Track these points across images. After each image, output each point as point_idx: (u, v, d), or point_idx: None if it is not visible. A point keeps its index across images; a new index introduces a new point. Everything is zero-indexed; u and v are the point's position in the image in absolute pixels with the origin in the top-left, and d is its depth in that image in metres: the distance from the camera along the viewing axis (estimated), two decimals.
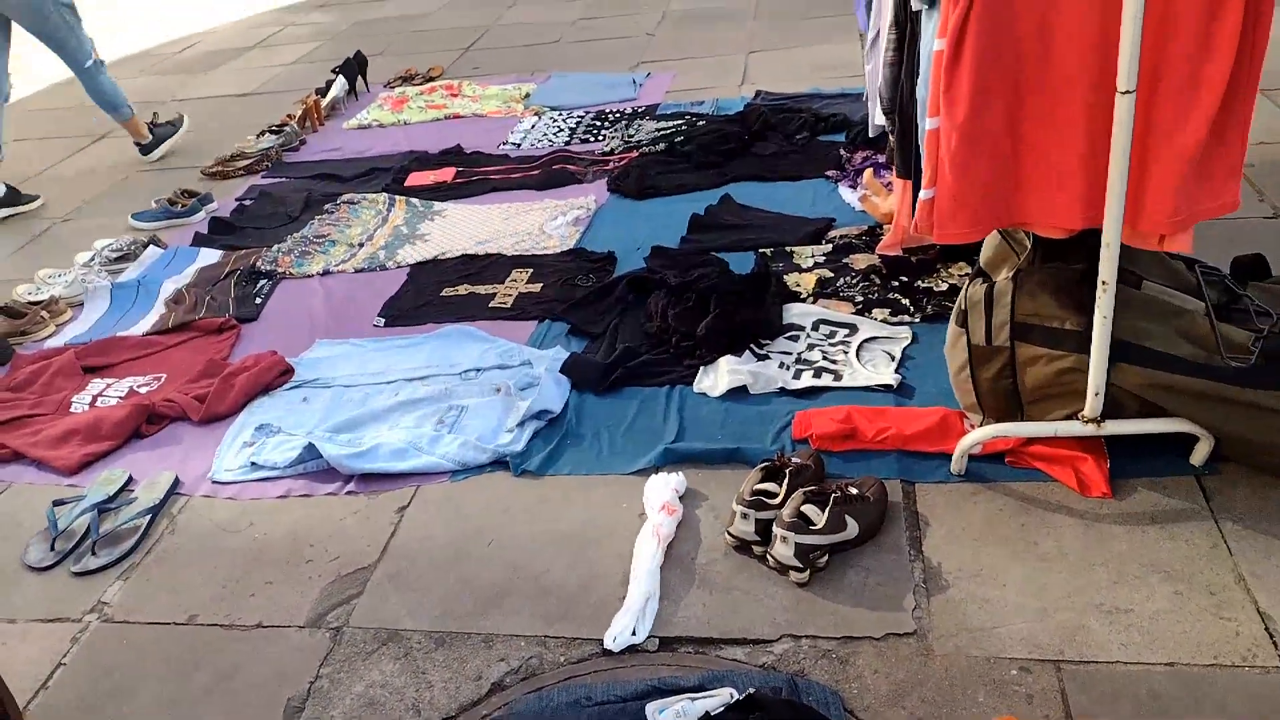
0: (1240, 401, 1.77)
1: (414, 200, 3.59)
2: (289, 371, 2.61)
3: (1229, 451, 1.90)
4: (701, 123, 3.90)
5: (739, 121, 3.82)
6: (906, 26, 2.00)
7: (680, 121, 3.96)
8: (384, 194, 3.65)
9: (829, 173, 3.39)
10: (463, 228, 3.37)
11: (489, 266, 3.08)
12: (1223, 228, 2.72)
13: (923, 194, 1.81)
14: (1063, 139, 1.68)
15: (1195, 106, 1.56)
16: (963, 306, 1.99)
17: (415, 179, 3.79)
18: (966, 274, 2.62)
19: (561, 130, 4.11)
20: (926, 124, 1.75)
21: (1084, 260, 1.86)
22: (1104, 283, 1.73)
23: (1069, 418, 1.92)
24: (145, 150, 4.37)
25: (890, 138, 2.33)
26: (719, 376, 2.38)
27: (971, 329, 1.97)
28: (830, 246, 2.94)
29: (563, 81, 4.72)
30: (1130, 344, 1.83)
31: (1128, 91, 1.54)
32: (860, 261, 2.83)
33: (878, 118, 2.39)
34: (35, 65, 5.53)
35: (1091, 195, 1.69)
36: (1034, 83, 1.65)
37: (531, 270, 3.01)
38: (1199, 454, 1.92)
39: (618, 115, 4.18)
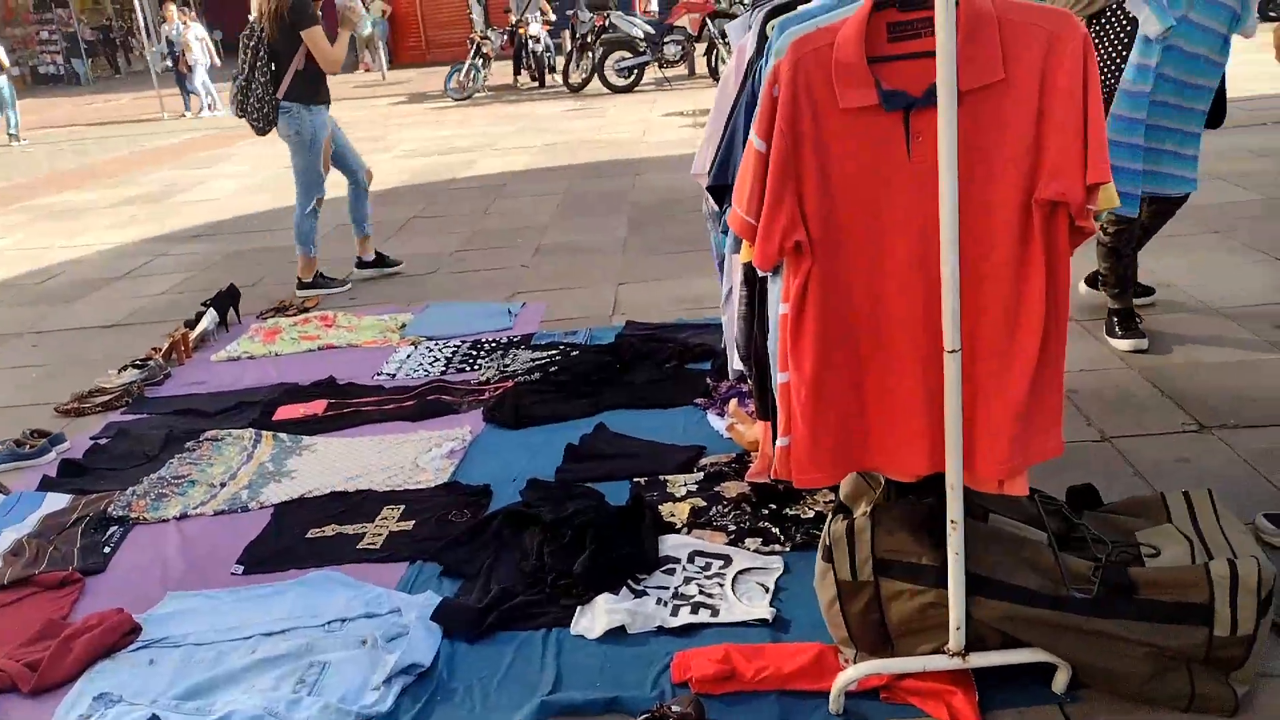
0: (1088, 631, 1.86)
1: (282, 435, 3.52)
2: (135, 630, 2.43)
3: (1085, 679, 1.97)
4: (575, 352, 4.03)
5: (611, 351, 3.97)
6: (755, 285, 2.17)
7: (555, 351, 4.08)
8: (250, 429, 3.57)
9: (697, 400, 3.53)
10: (332, 463, 3.31)
11: (359, 504, 3.01)
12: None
13: (779, 441, 1.90)
14: (903, 395, 1.82)
15: (1012, 369, 1.73)
16: (827, 542, 2.06)
17: (284, 412, 3.74)
18: (830, 500, 2.72)
19: (437, 360, 4.17)
20: (778, 377, 1.88)
21: (933, 494, 1.97)
22: (953, 522, 1.83)
23: (936, 651, 1.97)
24: None
25: (749, 380, 2.46)
26: (596, 616, 2.35)
27: (837, 564, 2.03)
28: (702, 474, 3.02)
29: (439, 311, 4.83)
30: (985, 577, 1.91)
31: (954, 351, 1.70)
32: (731, 489, 2.91)
33: (735, 363, 2.53)
34: None
35: (933, 446, 1.81)
36: (871, 345, 1.81)
37: (403, 507, 2.96)
38: (1059, 682, 1.97)
39: (493, 344, 4.28)
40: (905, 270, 1.74)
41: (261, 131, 5.10)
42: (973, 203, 1.67)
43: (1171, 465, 2.80)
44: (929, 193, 1.64)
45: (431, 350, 4.29)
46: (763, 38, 1.98)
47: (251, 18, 5.01)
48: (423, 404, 3.67)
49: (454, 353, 4.24)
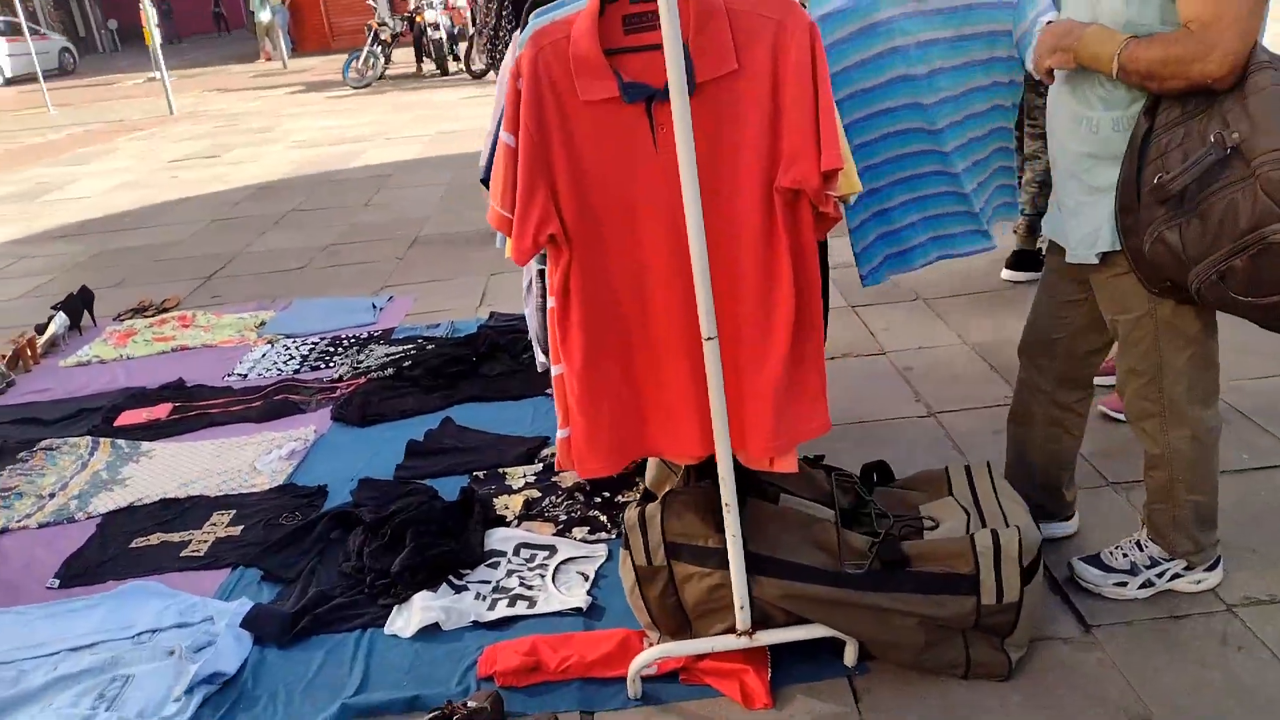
0: (863, 605, 1.92)
1: (120, 442, 3.42)
2: None
3: (872, 651, 2.03)
4: (431, 346, 3.99)
5: (468, 344, 3.94)
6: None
7: (410, 345, 4.04)
8: (87, 437, 3.46)
9: (548, 390, 3.52)
10: (168, 469, 3.22)
11: (189, 510, 2.94)
12: (883, 430, 3.02)
13: (559, 433, 1.91)
14: (672, 381, 1.84)
15: (770, 352, 1.76)
16: (623, 529, 2.08)
17: (126, 418, 3.63)
18: None
19: (292, 358, 4.09)
20: (553, 370, 1.88)
21: None
22: (726, 505, 1.86)
23: (727, 631, 2.01)
24: None
25: None
26: (411, 615, 2.33)
27: (633, 550, 2.05)
28: (541, 465, 3.02)
29: (302, 308, 4.74)
30: (766, 557, 1.95)
31: (710, 338, 1.73)
32: (568, 479, 2.91)
33: (540, 356, 2.53)
34: None
35: (705, 428, 1.84)
36: (638, 333, 1.82)
37: (234, 512, 2.90)
38: (849, 655, 2.03)
39: (352, 341, 4.22)
40: (663, 259, 1.76)
41: None
42: (718, 192, 1.69)
43: (989, 436, 2.89)
44: (678, 183, 1.66)
45: (288, 348, 4.21)
46: None
47: None
48: (269, 404, 3.60)
49: (310, 350, 4.16)
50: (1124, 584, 2.14)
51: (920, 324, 3.82)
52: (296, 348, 4.21)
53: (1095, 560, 2.19)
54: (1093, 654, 2.01)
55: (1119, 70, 1.74)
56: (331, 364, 3.99)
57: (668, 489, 2.22)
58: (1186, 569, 2.13)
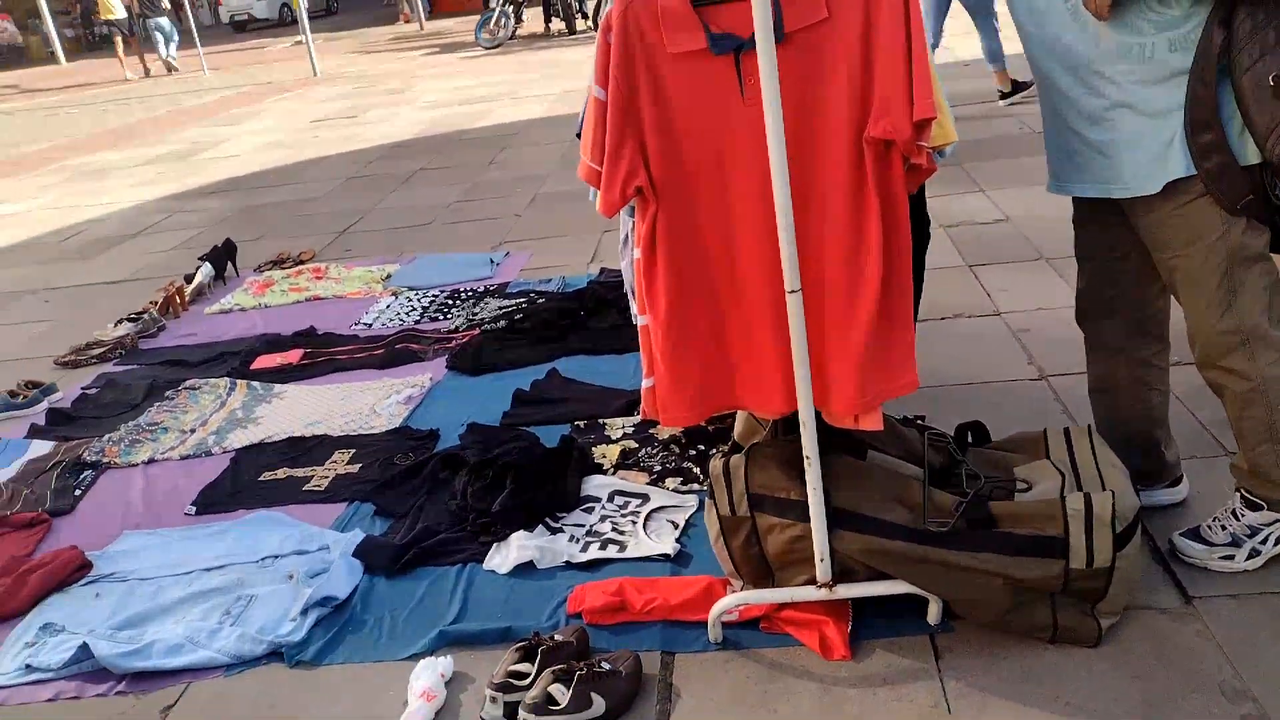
0: (945, 563, 1.90)
1: (255, 384, 3.67)
2: (86, 566, 2.60)
3: (956, 609, 2.01)
4: (542, 300, 4.10)
5: (577, 298, 4.03)
6: None
7: (523, 299, 4.16)
8: (226, 378, 3.73)
9: None
10: (297, 410, 3.45)
11: (314, 449, 3.15)
12: (994, 391, 2.95)
13: (644, 383, 1.96)
14: (757, 334, 1.85)
15: (857, 308, 1.75)
16: (709, 479, 2.12)
17: (261, 362, 3.89)
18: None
19: (414, 310, 4.28)
20: (638, 320, 1.92)
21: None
22: (808, 458, 1.87)
23: (809, 582, 2.03)
24: None
25: None
26: (509, 553, 2.45)
27: (718, 500, 2.09)
28: (639, 417, 3.08)
29: (425, 262, 4.93)
30: (849, 511, 1.96)
31: (794, 291, 1.73)
32: (664, 431, 2.97)
33: (634, 307, 2.57)
34: None
35: (788, 384, 1.85)
36: (726, 285, 1.84)
37: (354, 451, 3.09)
38: (932, 613, 2.02)
39: (469, 294, 4.37)
40: (752, 211, 1.77)
41: None
42: (807, 142, 1.69)
43: None
44: (765, 135, 1.66)
45: (411, 300, 4.40)
46: None
47: None
48: (391, 352, 3.79)
49: (431, 302, 4.34)
50: (1230, 557, 2.04)
51: (1042, 284, 3.67)
52: (418, 300, 4.39)
53: (1196, 534, 2.09)
54: (1191, 626, 1.94)
55: None
56: (449, 316, 4.15)
57: (755, 441, 2.24)
58: None
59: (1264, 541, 2.02)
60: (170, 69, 17.31)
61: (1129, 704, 1.79)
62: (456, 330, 3.97)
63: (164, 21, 16.81)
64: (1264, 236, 1.89)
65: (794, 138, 1.65)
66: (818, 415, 1.86)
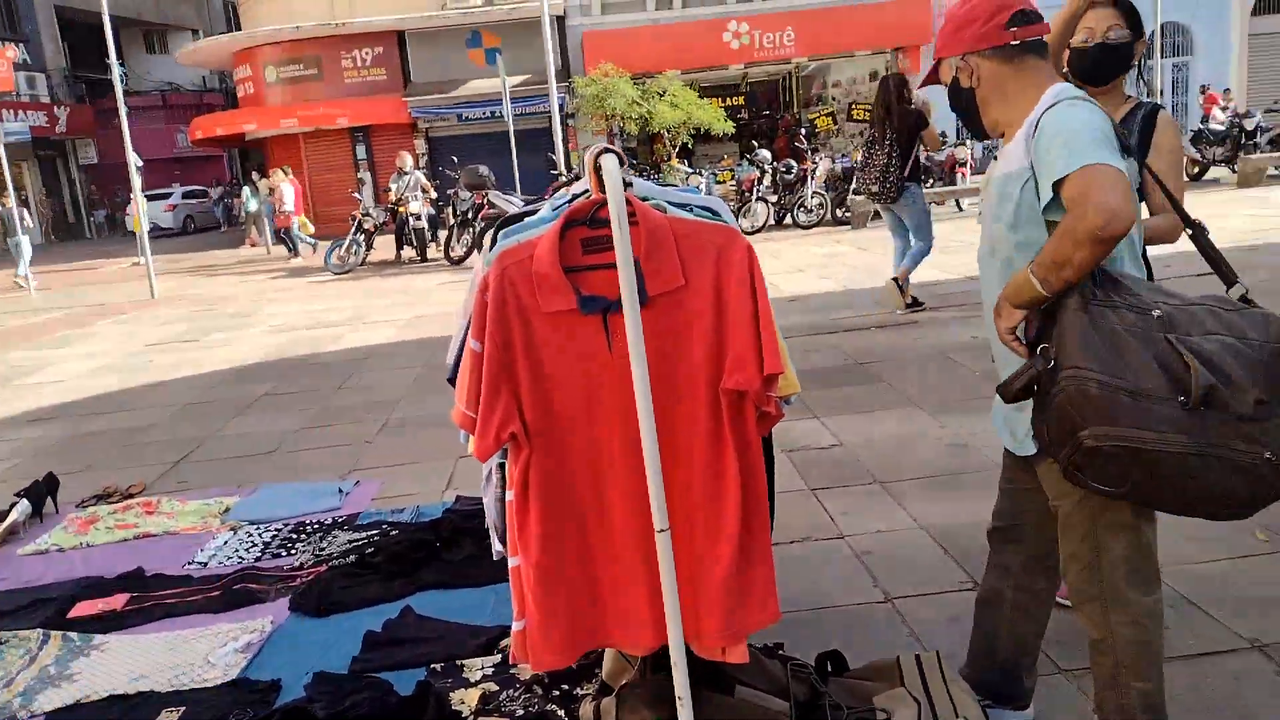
0: None
1: (71, 635, 3.35)
2: None
3: None
4: (395, 531, 4.01)
5: (432, 529, 3.96)
6: None
7: (374, 531, 4.05)
8: (38, 630, 3.39)
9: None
10: (119, 663, 3.15)
11: (135, 708, 2.86)
12: (845, 614, 3.05)
13: (514, 625, 1.94)
14: (626, 573, 1.90)
15: (720, 544, 1.84)
16: None
17: (81, 609, 3.57)
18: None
19: (255, 546, 4.07)
20: (510, 561, 1.93)
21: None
22: (680, 698, 1.88)
23: None
24: None
25: None
26: None
27: None
28: (500, 656, 2.99)
29: (268, 493, 4.75)
30: None
31: (663, 530, 1.80)
32: (526, 671, 2.88)
33: (497, 545, 2.58)
34: None
35: (658, 620, 1.88)
36: (596, 526, 1.90)
37: (183, 709, 2.83)
38: None
39: (316, 527, 4.22)
40: (617, 457, 1.86)
41: (892, 201, 7.21)
42: (668, 394, 1.82)
43: (944, 624, 2.92)
44: (631, 386, 1.78)
45: (251, 535, 4.20)
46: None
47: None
48: (229, 594, 3.57)
49: (274, 537, 4.15)
50: None
51: (879, 507, 3.90)
52: (260, 534, 4.20)
53: None
54: None
55: (1041, 282, 1.88)
56: (294, 551, 3.97)
57: (624, 681, 2.23)
58: None
59: None
60: (20, 287, 16.91)
61: None
62: (301, 567, 3.79)
63: (25, 240, 16.87)
64: (1133, 506, 1.99)
65: (656, 388, 1.78)
66: (688, 651, 1.89)
